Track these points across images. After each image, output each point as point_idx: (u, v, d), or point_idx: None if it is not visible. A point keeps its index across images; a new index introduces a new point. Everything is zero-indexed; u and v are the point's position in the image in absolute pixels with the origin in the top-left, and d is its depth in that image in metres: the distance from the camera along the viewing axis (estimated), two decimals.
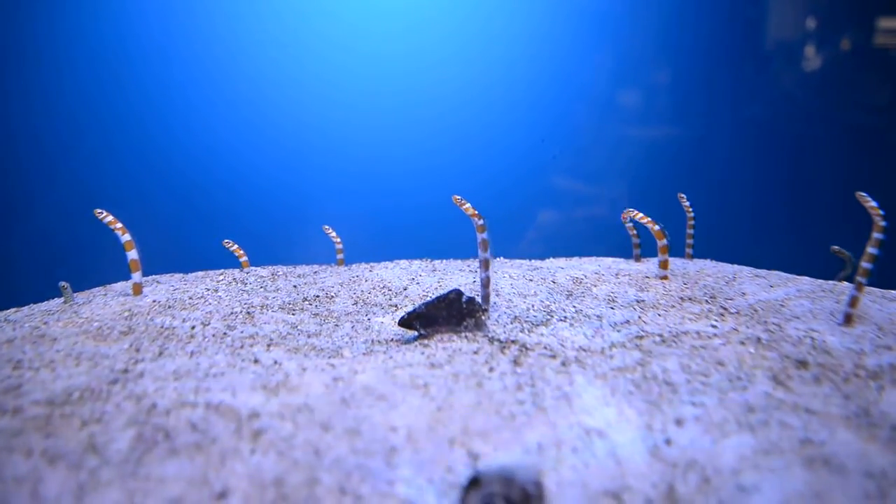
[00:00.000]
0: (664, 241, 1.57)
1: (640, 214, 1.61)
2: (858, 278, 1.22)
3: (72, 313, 1.35)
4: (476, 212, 1.27)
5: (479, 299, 1.27)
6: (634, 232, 1.82)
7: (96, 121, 2.96)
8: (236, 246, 1.78)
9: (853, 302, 1.21)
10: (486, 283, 1.29)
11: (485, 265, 1.28)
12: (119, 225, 1.48)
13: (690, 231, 1.87)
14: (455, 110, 3.13)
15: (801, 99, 2.97)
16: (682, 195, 1.85)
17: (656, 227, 1.57)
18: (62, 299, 1.48)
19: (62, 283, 1.45)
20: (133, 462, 0.76)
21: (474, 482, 0.70)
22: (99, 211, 1.47)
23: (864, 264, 1.22)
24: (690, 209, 1.85)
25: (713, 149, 3.08)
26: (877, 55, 2.80)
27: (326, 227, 1.86)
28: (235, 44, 3.05)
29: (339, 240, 1.86)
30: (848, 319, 1.20)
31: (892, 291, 1.46)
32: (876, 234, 1.21)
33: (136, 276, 1.49)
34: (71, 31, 2.87)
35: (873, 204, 1.22)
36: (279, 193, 3.20)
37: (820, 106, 2.96)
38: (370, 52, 3.09)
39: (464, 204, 1.29)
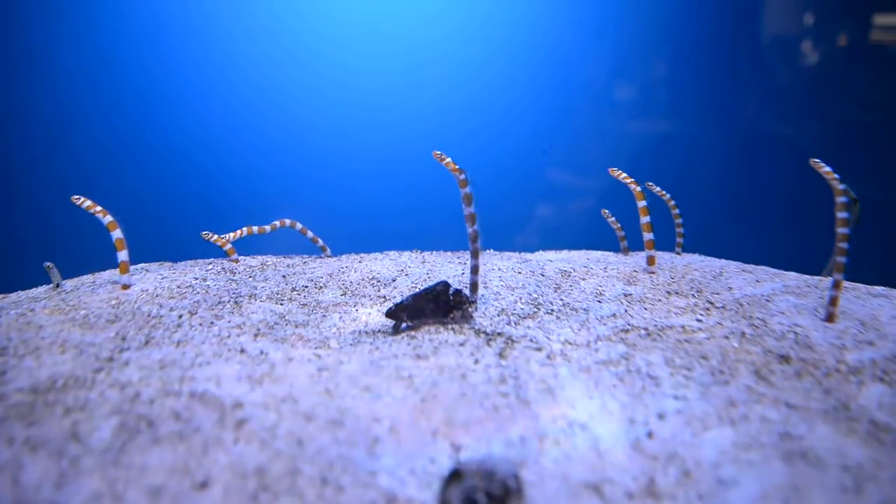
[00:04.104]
0: (643, 203, 1.56)
1: (624, 174, 1.59)
2: (836, 274, 1.22)
3: (59, 300, 1.34)
4: (457, 167, 1.25)
5: (467, 291, 1.27)
6: (618, 225, 1.83)
7: (89, 112, 2.95)
8: (216, 236, 1.71)
9: (834, 299, 1.21)
10: (473, 238, 1.23)
11: (471, 220, 1.23)
12: (98, 208, 1.46)
13: (677, 216, 1.82)
14: (448, 104, 3.13)
15: (796, 94, 2.97)
16: (650, 183, 1.78)
17: (638, 188, 1.57)
18: (49, 286, 1.48)
19: (47, 264, 1.44)
20: (115, 451, 0.76)
21: (455, 475, 0.70)
22: (76, 197, 1.46)
23: (841, 229, 1.22)
24: (665, 194, 1.79)
25: (706, 143, 3.09)
26: (871, 51, 2.80)
27: (206, 233, 1.72)
28: (229, 37, 3.03)
29: (310, 233, 1.81)
30: (830, 316, 1.21)
31: (877, 287, 1.47)
32: (839, 199, 1.21)
33: (123, 255, 1.47)
34: (60, 28, 2.85)
35: (828, 169, 1.23)
36: (272, 185, 3.20)
37: (813, 101, 2.96)
38: (365, 46, 3.08)
39: (444, 159, 1.26)
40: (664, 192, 1.78)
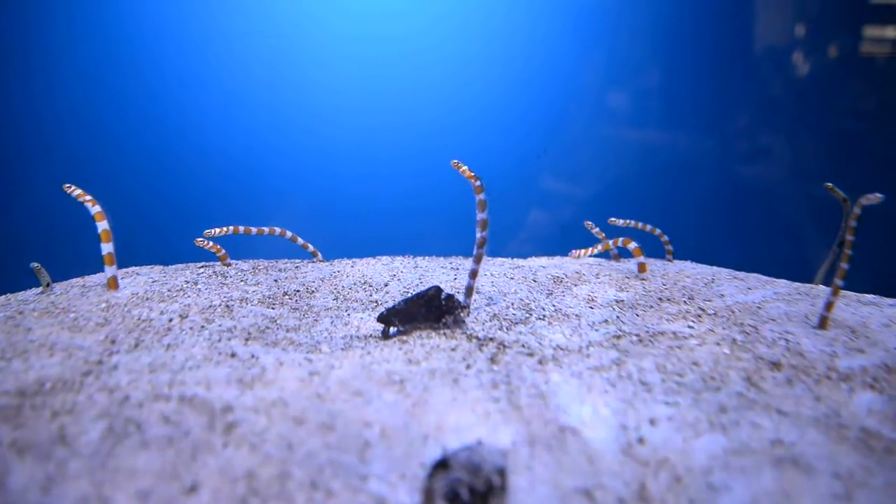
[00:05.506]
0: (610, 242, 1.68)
1: (588, 250, 1.76)
2: (837, 280, 1.23)
3: (48, 303, 1.33)
4: (473, 174, 1.25)
5: (459, 296, 1.27)
6: (603, 235, 1.83)
7: (82, 115, 2.94)
8: (211, 243, 1.70)
9: (829, 304, 1.22)
10: (480, 244, 1.22)
11: (482, 226, 1.23)
12: (88, 197, 1.46)
13: (653, 230, 1.81)
14: (441, 110, 3.13)
15: (788, 104, 2.99)
16: (590, 225, 1.83)
17: (594, 251, 1.74)
18: (38, 289, 1.47)
19: (34, 265, 1.43)
20: (103, 454, 0.76)
21: (442, 464, 0.70)
22: (67, 185, 1.46)
23: (849, 237, 1.23)
24: (603, 233, 1.83)
25: (699, 151, 3.10)
26: (863, 62, 2.83)
27: (199, 240, 1.71)
28: (224, 40, 3.03)
29: (300, 240, 1.80)
30: (823, 321, 1.22)
31: (867, 295, 1.47)
32: (854, 209, 1.22)
33: (108, 247, 1.46)
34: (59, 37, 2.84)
35: (840, 192, 1.25)
36: (265, 188, 3.19)
37: (806, 112, 2.98)
38: (360, 51, 3.08)
39: (461, 167, 1.27)
40: (615, 233, 1.77)
